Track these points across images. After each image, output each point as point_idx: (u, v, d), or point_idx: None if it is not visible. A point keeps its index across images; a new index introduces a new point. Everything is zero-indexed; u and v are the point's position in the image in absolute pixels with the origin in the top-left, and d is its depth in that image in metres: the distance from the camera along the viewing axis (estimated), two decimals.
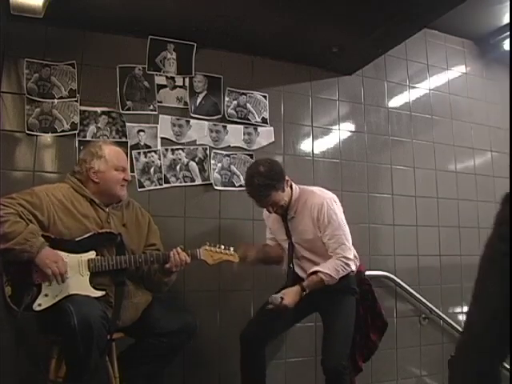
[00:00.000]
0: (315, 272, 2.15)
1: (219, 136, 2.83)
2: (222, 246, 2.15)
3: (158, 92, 2.72)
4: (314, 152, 3.08)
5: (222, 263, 2.17)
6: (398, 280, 3.10)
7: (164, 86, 2.75)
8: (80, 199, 2.01)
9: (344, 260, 2.16)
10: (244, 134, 2.89)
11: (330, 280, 2.14)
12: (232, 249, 2.17)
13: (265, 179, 2.12)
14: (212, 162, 2.78)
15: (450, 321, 3.25)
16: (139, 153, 2.63)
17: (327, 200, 2.21)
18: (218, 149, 2.81)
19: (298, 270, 2.33)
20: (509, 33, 3.44)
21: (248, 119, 2.91)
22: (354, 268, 2.24)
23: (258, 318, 2.31)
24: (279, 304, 2.07)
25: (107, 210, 2.06)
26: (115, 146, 2.17)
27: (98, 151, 2.08)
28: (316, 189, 2.32)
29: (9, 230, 1.75)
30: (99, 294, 1.89)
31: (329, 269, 2.14)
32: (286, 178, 2.24)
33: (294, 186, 2.30)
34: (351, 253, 2.21)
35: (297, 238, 2.29)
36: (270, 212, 2.29)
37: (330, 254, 2.19)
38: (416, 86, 3.47)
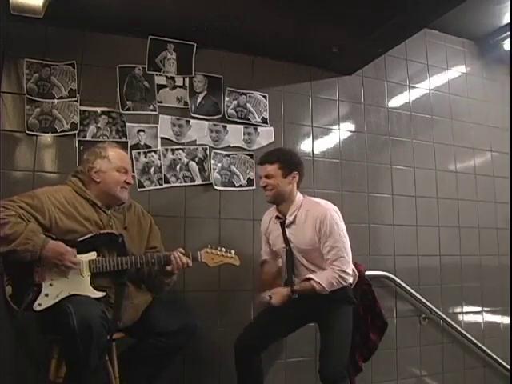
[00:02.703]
0: (308, 279, 2.16)
1: (219, 136, 2.83)
2: (223, 249, 2.15)
3: (158, 92, 2.72)
4: (314, 152, 3.08)
5: (222, 266, 2.17)
6: (398, 280, 3.09)
7: (164, 86, 2.74)
8: (82, 202, 2.01)
9: (340, 273, 2.14)
10: (244, 134, 2.89)
11: (322, 290, 2.12)
12: (233, 252, 2.17)
13: (280, 153, 2.29)
14: (212, 161, 2.78)
15: (449, 321, 3.25)
16: (139, 153, 2.63)
17: (331, 211, 2.21)
18: (218, 149, 2.81)
19: (294, 278, 2.32)
20: (509, 33, 3.44)
21: (248, 119, 2.91)
22: (351, 281, 2.24)
23: (253, 326, 2.32)
24: (267, 302, 2.10)
25: (109, 212, 2.06)
26: (120, 149, 2.17)
27: (102, 152, 2.08)
28: (321, 201, 2.31)
29: (10, 232, 1.75)
30: (100, 294, 1.89)
31: (322, 279, 2.13)
32: (295, 175, 2.25)
33: (299, 193, 2.31)
34: (350, 266, 2.18)
35: (294, 246, 2.28)
36: (261, 186, 2.30)
37: (327, 265, 2.17)
38: (416, 85, 3.47)
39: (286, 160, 2.25)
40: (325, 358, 2.14)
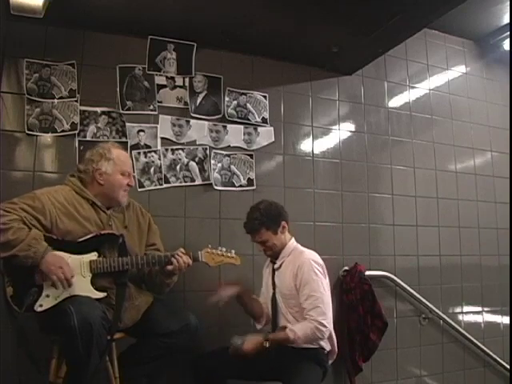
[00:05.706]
0: (284, 327, 2.14)
1: (219, 136, 2.83)
2: (224, 249, 2.16)
3: (158, 92, 2.72)
4: (314, 152, 3.08)
5: (223, 265, 2.18)
6: (398, 280, 3.09)
7: (164, 86, 2.74)
8: (82, 202, 2.00)
9: (316, 324, 2.07)
10: (244, 134, 2.89)
11: (295, 339, 2.06)
12: (233, 251, 2.18)
13: (259, 215, 2.23)
14: (212, 161, 2.78)
15: (449, 321, 3.25)
16: (139, 153, 2.63)
17: (311, 260, 2.21)
18: (217, 149, 2.81)
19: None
20: (509, 33, 3.45)
21: (248, 119, 2.91)
22: (324, 341, 2.18)
23: (215, 356, 2.26)
24: (238, 347, 2.06)
25: (108, 212, 2.06)
26: (123, 151, 2.17)
27: (107, 153, 2.07)
28: (307, 250, 2.31)
29: (12, 238, 1.74)
30: (101, 295, 1.88)
31: (297, 328, 2.09)
32: (284, 224, 2.28)
33: (292, 239, 2.34)
34: (327, 319, 2.10)
35: (278, 291, 2.30)
36: (260, 250, 2.33)
37: (304, 316, 2.13)
38: (416, 85, 3.48)
39: (269, 218, 2.24)
40: None
